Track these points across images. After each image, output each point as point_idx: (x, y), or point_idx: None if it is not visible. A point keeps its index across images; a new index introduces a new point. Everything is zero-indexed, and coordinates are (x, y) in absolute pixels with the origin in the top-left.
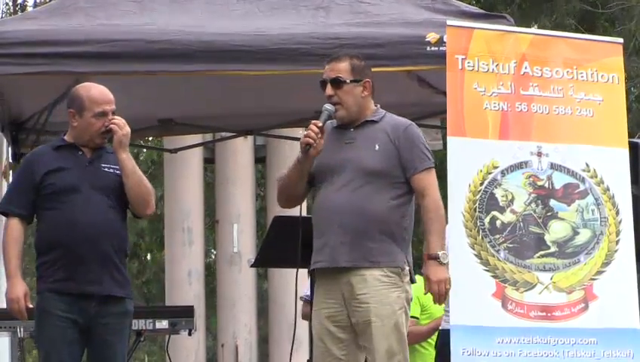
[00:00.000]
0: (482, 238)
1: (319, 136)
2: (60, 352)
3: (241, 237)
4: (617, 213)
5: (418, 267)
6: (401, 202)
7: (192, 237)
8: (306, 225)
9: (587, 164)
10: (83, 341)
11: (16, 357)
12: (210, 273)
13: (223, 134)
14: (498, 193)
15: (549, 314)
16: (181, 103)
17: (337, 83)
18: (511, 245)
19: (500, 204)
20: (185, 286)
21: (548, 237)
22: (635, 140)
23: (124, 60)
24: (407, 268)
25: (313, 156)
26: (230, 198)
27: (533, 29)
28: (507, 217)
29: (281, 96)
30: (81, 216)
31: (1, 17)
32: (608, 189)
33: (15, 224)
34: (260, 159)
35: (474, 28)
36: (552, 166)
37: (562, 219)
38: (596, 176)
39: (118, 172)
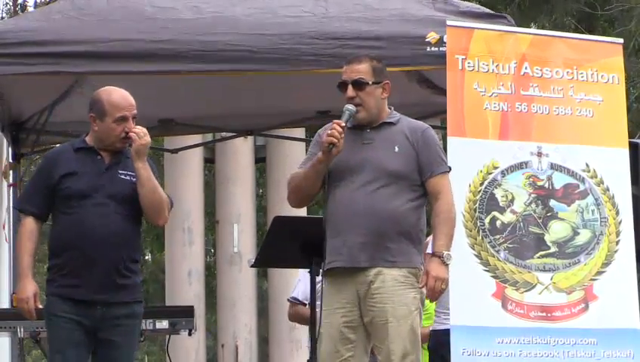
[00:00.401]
0: (482, 238)
1: (342, 135)
2: (65, 353)
3: (241, 237)
4: (617, 213)
5: None
6: (417, 204)
7: (192, 237)
8: (307, 226)
9: (587, 164)
10: (90, 343)
11: (17, 357)
12: (210, 273)
13: (224, 134)
14: (498, 193)
15: (549, 315)
16: (181, 103)
17: (360, 84)
18: (511, 245)
19: (500, 204)
20: (185, 286)
21: (548, 238)
22: (635, 140)
23: (124, 60)
24: (422, 269)
25: (334, 155)
26: (230, 198)
27: (534, 30)
28: (507, 217)
29: (281, 96)
30: (90, 223)
31: (1, 17)
32: (608, 189)
33: (29, 223)
34: (260, 159)
35: (474, 28)
36: (552, 166)
37: (562, 220)
38: (596, 177)
39: (134, 179)
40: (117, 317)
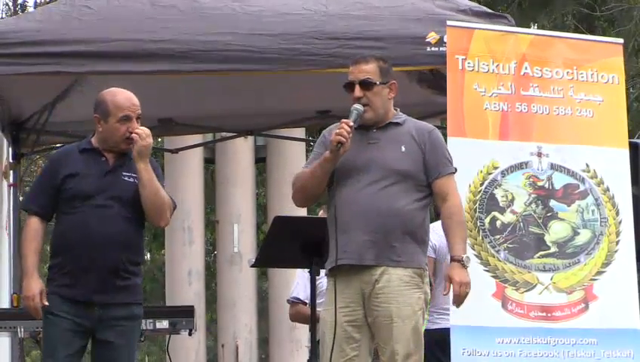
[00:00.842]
0: (482, 239)
1: (350, 135)
2: (57, 353)
3: (241, 237)
4: (617, 213)
5: None
6: (423, 204)
7: (192, 236)
8: (307, 226)
9: (587, 165)
10: (85, 344)
11: (17, 357)
12: (210, 273)
13: (224, 134)
14: (498, 193)
15: (549, 315)
16: (181, 103)
17: (367, 85)
18: (511, 245)
19: (500, 204)
20: (185, 286)
21: (548, 238)
22: (635, 140)
23: (124, 60)
24: (427, 269)
25: (342, 155)
26: (230, 198)
27: (534, 30)
28: (507, 217)
29: (281, 96)
30: (91, 225)
31: (1, 17)
32: (608, 190)
33: (34, 222)
34: (260, 159)
35: (474, 28)
36: (552, 166)
37: (562, 220)
38: (596, 177)
39: (138, 181)
40: (115, 319)
